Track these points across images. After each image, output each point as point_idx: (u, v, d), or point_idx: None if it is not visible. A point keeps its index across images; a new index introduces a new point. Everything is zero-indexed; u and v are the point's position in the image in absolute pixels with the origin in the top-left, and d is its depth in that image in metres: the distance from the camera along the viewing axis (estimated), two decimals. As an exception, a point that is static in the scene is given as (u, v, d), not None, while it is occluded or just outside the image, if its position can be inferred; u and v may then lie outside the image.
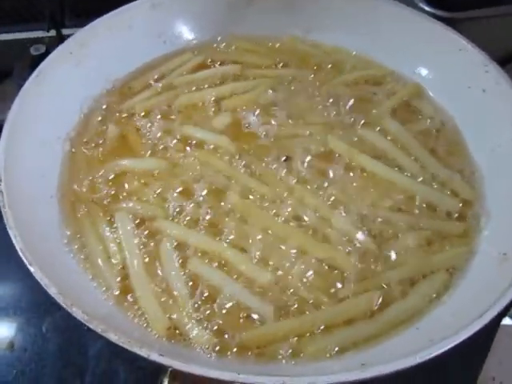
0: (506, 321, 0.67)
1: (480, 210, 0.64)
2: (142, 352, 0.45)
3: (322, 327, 0.55)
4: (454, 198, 0.66)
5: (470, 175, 0.68)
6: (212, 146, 0.71)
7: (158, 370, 0.57)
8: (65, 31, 1.01)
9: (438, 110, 0.77)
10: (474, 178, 0.68)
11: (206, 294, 0.57)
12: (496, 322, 0.63)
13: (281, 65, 0.84)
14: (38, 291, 0.49)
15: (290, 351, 0.53)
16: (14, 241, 0.52)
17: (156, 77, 0.82)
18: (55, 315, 0.68)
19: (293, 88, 0.79)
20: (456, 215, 0.65)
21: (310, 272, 0.58)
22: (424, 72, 0.81)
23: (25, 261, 0.51)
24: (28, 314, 0.70)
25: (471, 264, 0.59)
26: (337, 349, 0.53)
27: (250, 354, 0.53)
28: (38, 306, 0.70)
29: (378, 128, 0.73)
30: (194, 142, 0.72)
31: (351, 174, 0.68)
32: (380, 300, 0.57)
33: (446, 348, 0.46)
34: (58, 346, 0.67)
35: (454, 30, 0.77)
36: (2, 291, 0.73)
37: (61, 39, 0.78)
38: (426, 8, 0.85)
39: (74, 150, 0.71)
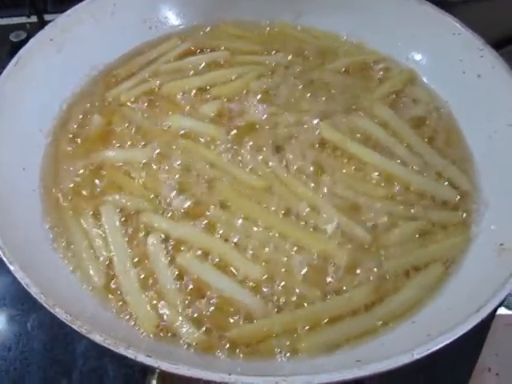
0: (502, 310, 0.66)
1: (477, 199, 0.63)
2: (129, 353, 0.43)
3: (315, 322, 0.53)
4: (450, 187, 0.64)
5: (467, 163, 0.67)
6: (200, 135, 0.69)
7: (147, 367, 0.55)
8: (47, 17, 0.99)
9: (433, 96, 0.75)
10: (471, 166, 0.67)
11: (195, 290, 0.55)
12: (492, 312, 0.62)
13: (271, 51, 0.81)
14: (23, 287, 0.47)
15: (284, 348, 0.51)
16: (-8, 238, 0.50)
17: (142, 64, 0.79)
18: (40, 312, 0.66)
19: (284, 75, 0.77)
20: (452, 205, 0.63)
21: (303, 265, 0.57)
22: (418, 57, 0.79)
23: (4, 259, 0.48)
24: (12, 310, 0.68)
25: (468, 255, 0.58)
26: (331, 344, 0.51)
27: (241, 351, 0.51)
28: (23, 303, 0.68)
29: (372, 115, 0.71)
30: (182, 131, 0.69)
31: (344, 164, 0.66)
32: (375, 293, 0.55)
33: (442, 344, 0.45)
34: (44, 343, 0.64)
35: (448, 14, 0.75)
36: (-16, 287, 0.71)
37: (42, 25, 0.76)
38: (420, -9, 0.82)
39: (56, 140, 0.69)
